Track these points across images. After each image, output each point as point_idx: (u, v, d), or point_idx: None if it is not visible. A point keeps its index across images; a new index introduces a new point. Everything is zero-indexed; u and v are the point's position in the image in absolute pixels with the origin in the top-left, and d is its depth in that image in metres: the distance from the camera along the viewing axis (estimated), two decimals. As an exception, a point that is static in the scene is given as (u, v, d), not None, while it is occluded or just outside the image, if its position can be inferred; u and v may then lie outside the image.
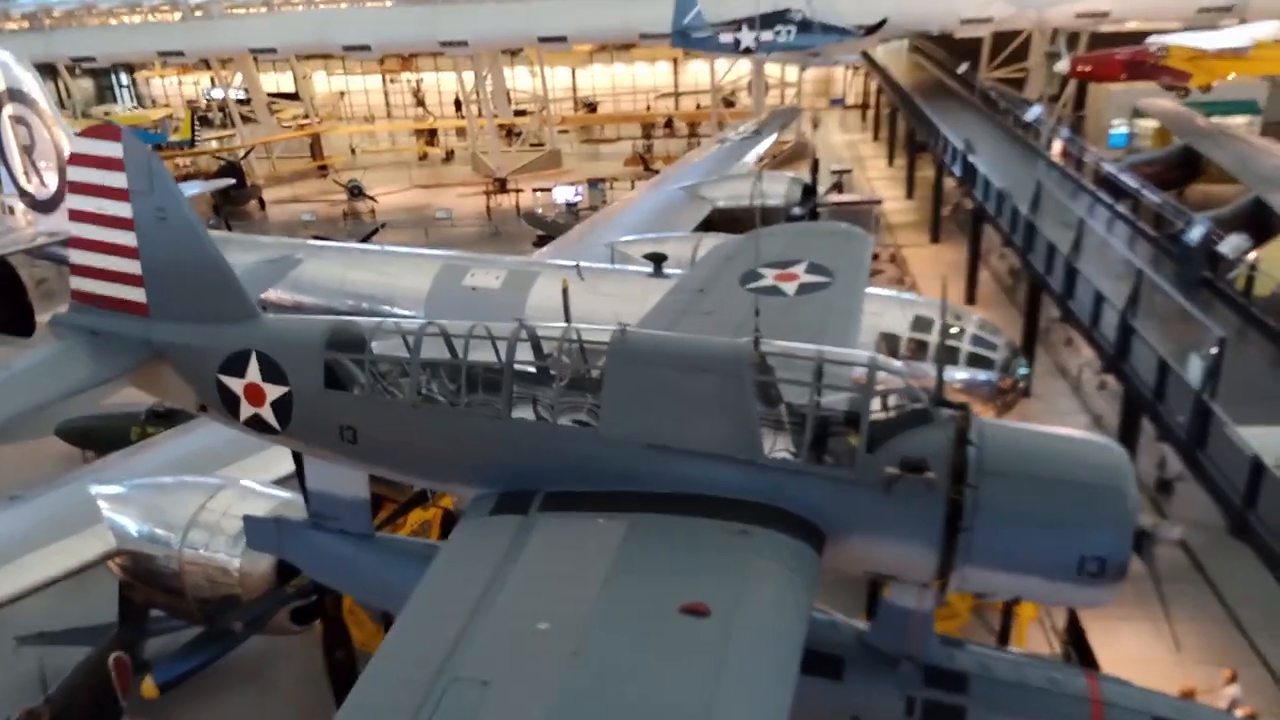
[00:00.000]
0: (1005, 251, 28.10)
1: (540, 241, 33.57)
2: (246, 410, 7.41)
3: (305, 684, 14.92)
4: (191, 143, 44.25)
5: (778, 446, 6.17)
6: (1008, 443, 5.82)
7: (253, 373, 7.23)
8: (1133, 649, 14.24)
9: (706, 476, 6.18)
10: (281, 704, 14.84)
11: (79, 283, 7.96)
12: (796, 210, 22.37)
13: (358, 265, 20.10)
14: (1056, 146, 26.74)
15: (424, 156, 52.40)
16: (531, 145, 48.22)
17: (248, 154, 44.33)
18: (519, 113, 50.43)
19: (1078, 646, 14.20)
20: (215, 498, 11.07)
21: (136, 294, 7.64)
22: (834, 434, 6.13)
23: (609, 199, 37.72)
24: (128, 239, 7.47)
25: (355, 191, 40.15)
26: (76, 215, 7.71)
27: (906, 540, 5.82)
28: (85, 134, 7.63)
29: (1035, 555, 5.59)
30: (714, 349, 6.44)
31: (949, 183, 30.07)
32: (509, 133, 48.06)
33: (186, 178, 40.31)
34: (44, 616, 14.45)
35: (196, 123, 46.05)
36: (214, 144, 46.59)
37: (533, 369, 6.91)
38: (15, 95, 22.85)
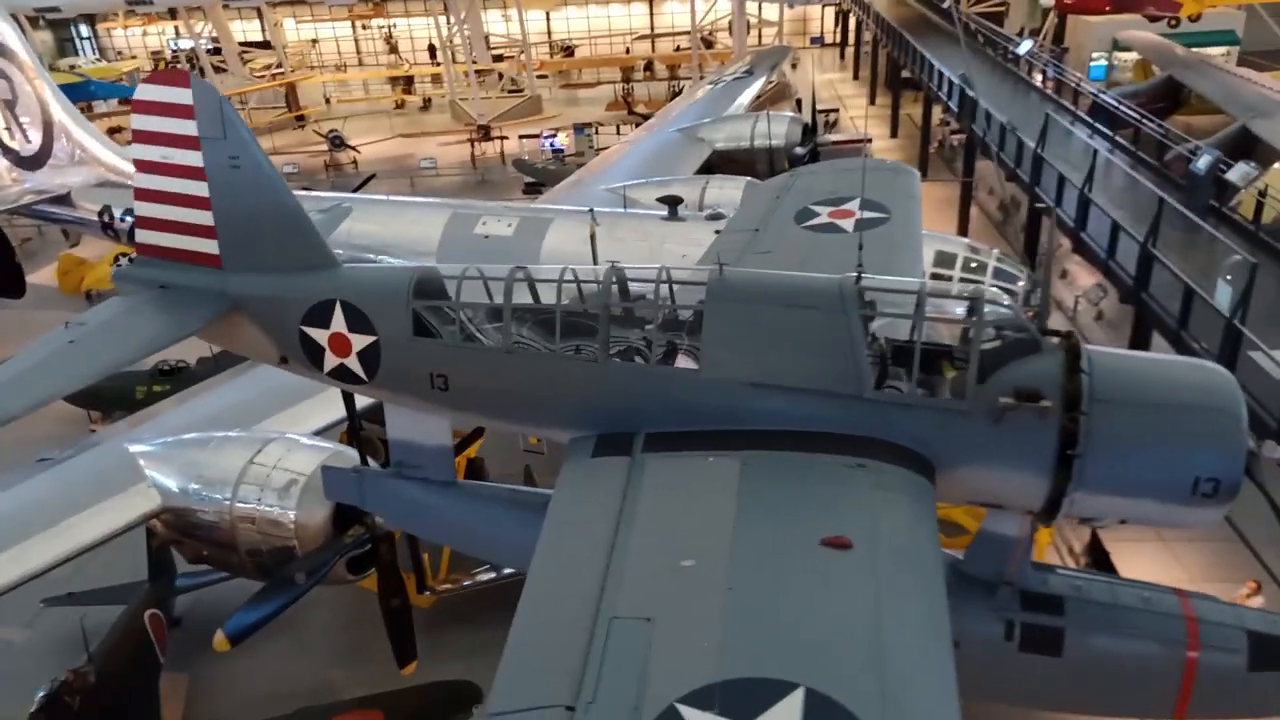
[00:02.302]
0: (994, 186, 28.28)
1: (529, 188, 33.22)
2: (331, 361, 7.36)
3: (340, 631, 15.09)
4: (165, 95, 42.81)
5: (884, 380, 6.26)
6: (1118, 369, 5.95)
7: (338, 323, 7.16)
8: (1148, 571, 14.75)
9: (811, 413, 6.26)
10: (316, 651, 14.99)
11: (144, 235, 7.78)
12: (798, 150, 22.27)
13: (362, 216, 19.81)
14: (1047, 79, 26.74)
15: (401, 105, 51.30)
16: (510, 91, 47.33)
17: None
18: (496, 58, 49.40)
19: (1100, 569, 14.68)
20: (263, 452, 11.03)
21: (209, 245, 7.49)
22: (943, 366, 6.22)
23: (594, 144, 37.27)
24: (198, 189, 7.30)
25: (336, 142, 39.30)
26: (142, 165, 7.50)
27: (1017, 469, 5.96)
28: (150, 79, 7.40)
29: (1150, 479, 5.76)
30: (817, 285, 6.47)
31: (934, 119, 30.09)
32: (485, 78, 47.12)
33: (159, 132, 39.09)
34: (65, 578, 14.43)
35: (170, 74, 44.49)
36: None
37: (630, 310, 6.91)
38: (-9, 48, 22.03)
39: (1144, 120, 21.18)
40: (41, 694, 11.36)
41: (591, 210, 17.76)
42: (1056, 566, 7.10)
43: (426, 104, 51.26)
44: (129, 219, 21.55)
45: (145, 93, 7.31)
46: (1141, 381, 5.91)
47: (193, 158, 7.22)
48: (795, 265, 8.14)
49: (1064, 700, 6.76)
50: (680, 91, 42.06)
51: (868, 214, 9.28)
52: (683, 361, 6.67)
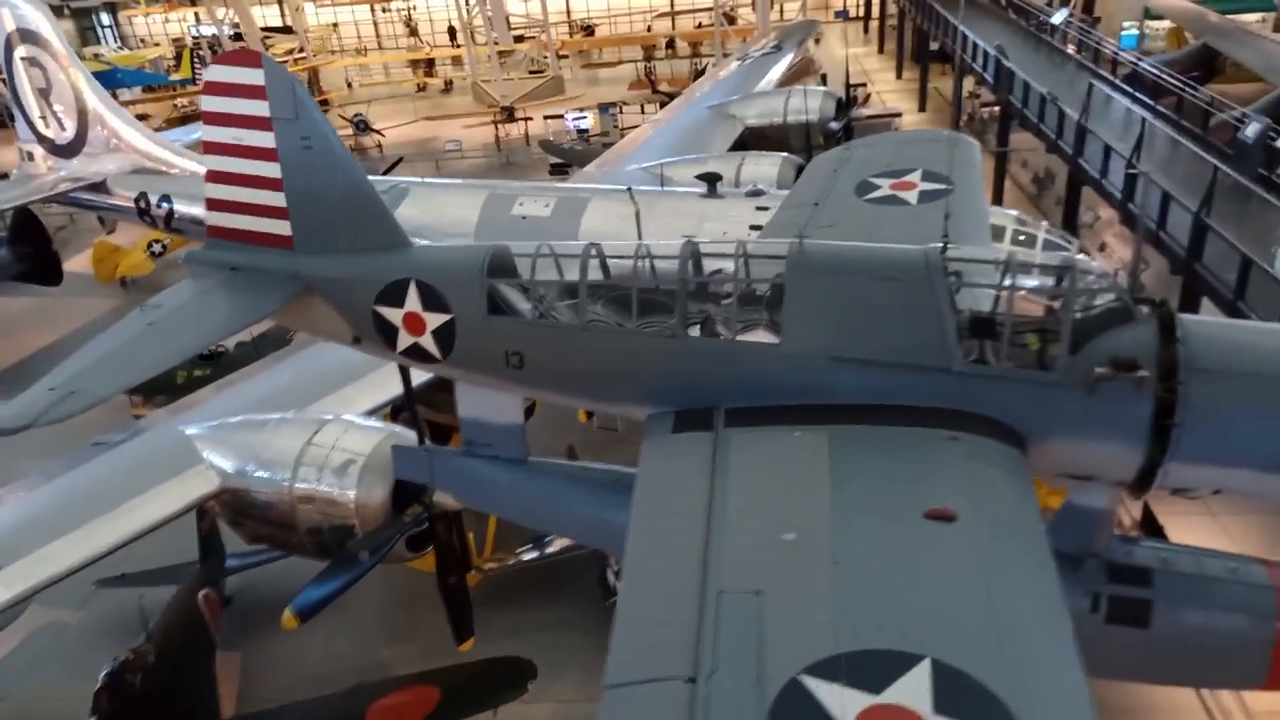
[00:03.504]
0: (1027, 158, 27.93)
1: (555, 169, 33.11)
2: (405, 340, 7.36)
3: (389, 609, 15.24)
4: (193, 80, 43.02)
5: (972, 352, 6.19)
6: (1214, 337, 5.86)
7: (412, 302, 7.16)
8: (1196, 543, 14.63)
9: (897, 386, 6.20)
10: (366, 629, 15.15)
11: (215, 217, 7.78)
12: (833, 125, 22.06)
13: (398, 198, 19.78)
14: (1082, 48, 26.32)
15: (422, 88, 51.21)
16: (531, 72, 47.16)
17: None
18: (517, 39, 49.21)
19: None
20: (320, 433, 11.09)
21: (280, 227, 7.49)
22: (1033, 336, 6.15)
23: (619, 124, 37.07)
24: (270, 170, 7.29)
25: (361, 126, 39.31)
26: (212, 147, 7.49)
27: (1111, 440, 5.89)
28: (221, 60, 7.37)
29: (1250, 449, 5.67)
30: (900, 256, 6.40)
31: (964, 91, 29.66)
32: (506, 59, 46.95)
33: (186, 119, 39.29)
34: (116, 559, 14.66)
35: (197, 60, 44.69)
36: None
37: (705, 286, 6.87)
38: (26, 36, 22.10)
39: (1187, 88, 20.80)
40: (105, 673, 11.50)
41: (630, 189, 17.70)
42: (1140, 538, 7.03)
43: (448, 86, 51.15)
44: (165, 205, 21.66)
45: (216, 74, 7.29)
46: (1239, 349, 5.81)
47: (264, 139, 7.20)
48: (861, 238, 8.05)
49: (1151, 672, 6.72)
50: (704, 69, 41.77)
51: (930, 185, 9.17)
52: (762, 336, 6.62)
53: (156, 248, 28.65)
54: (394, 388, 12.75)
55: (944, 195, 9.04)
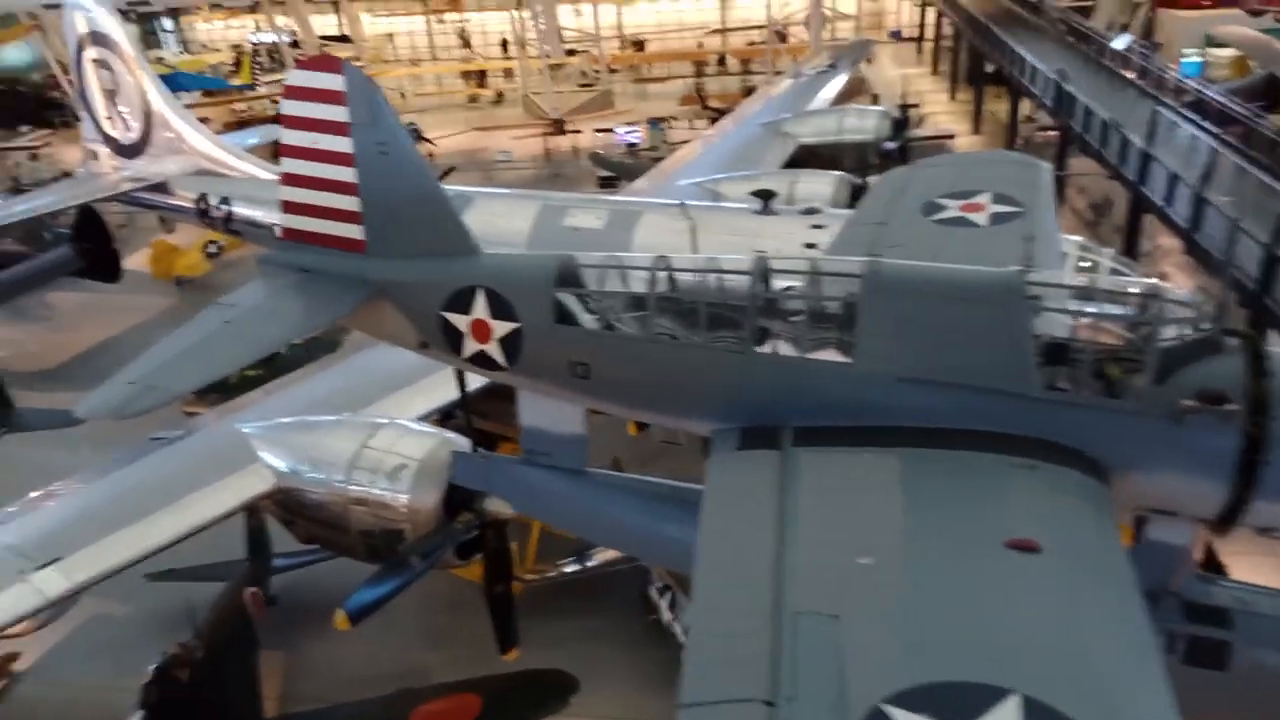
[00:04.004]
0: (1085, 185, 27.48)
1: (604, 182, 33.24)
2: (470, 347, 7.39)
3: (430, 616, 15.25)
4: (252, 86, 43.93)
5: (1052, 379, 6.06)
6: None
7: (479, 309, 7.18)
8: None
9: (973, 410, 6.08)
10: (407, 634, 15.18)
11: (289, 220, 7.89)
12: (888, 145, 21.89)
13: (460, 206, 19.89)
14: (1145, 74, 25.88)
15: (474, 99, 51.78)
16: (581, 85, 47.47)
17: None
18: (568, 52, 49.60)
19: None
20: (375, 436, 11.17)
21: (353, 231, 7.57)
22: (1116, 365, 6.00)
23: (668, 139, 37.16)
24: (345, 174, 7.37)
25: (414, 135, 39.79)
26: (290, 151, 7.61)
27: (1195, 475, 5.72)
28: (303, 65, 7.50)
29: None
30: (980, 278, 6.29)
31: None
32: (557, 72, 47.33)
33: (243, 123, 40.08)
34: (165, 554, 14.87)
35: (256, 67, 45.62)
36: (281, 86, 46.00)
37: (775, 301, 6.80)
38: (97, 39, 22.71)
39: (1258, 118, 20.35)
40: (153, 666, 11.63)
41: (683, 203, 17.69)
42: (1218, 577, 6.82)
43: (499, 98, 51.65)
44: (224, 207, 22.05)
45: (298, 79, 7.41)
46: None
47: (341, 143, 7.29)
48: (928, 259, 7.92)
49: (1227, 715, 6.49)
50: (754, 86, 41.74)
51: (1001, 208, 9.02)
52: (833, 354, 6.54)
53: (213, 248, 29.21)
54: (445, 394, 12.84)
55: (1015, 218, 8.88)
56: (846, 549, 5.12)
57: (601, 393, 7.21)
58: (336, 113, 7.24)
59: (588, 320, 7.06)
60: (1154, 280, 6.26)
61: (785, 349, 6.66)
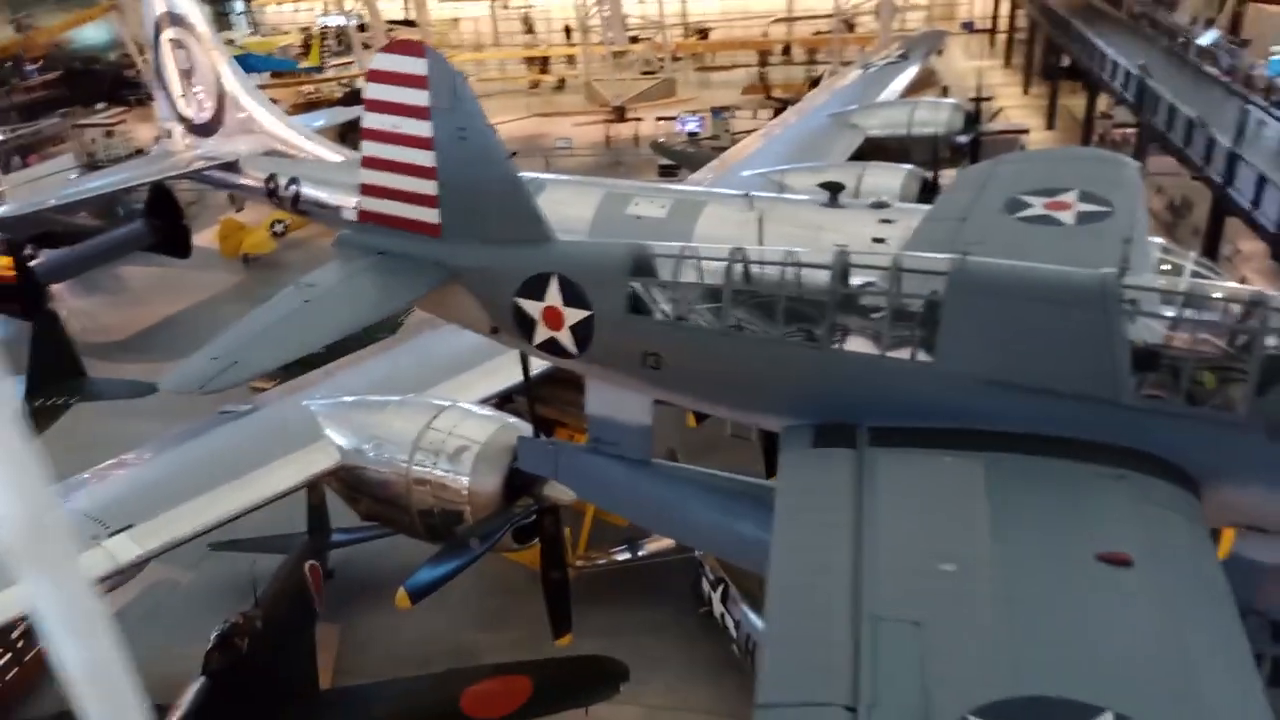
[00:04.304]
0: (1163, 184, 26.60)
1: (664, 171, 33.08)
2: (542, 334, 7.36)
3: (481, 597, 15.37)
4: (319, 68, 44.57)
5: (1145, 386, 5.82)
6: None
7: (552, 296, 7.14)
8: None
9: (1060, 416, 5.87)
10: (458, 614, 15.30)
11: (367, 202, 7.92)
12: (960, 139, 21.38)
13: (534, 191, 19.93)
14: (1233, 71, 24.92)
15: (535, 85, 51.91)
16: (644, 73, 47.31)
17: (370, 81, 44.53)
18: (631, 39, 49.43)
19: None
20: (439, 417, 11.22)
21: (430, 215, 7.58)
22: (1214, 374, 5.74)
23: (730, 128, 36.83)
24: (424, 159, 7.37)
25: (475, 119, 39.96)
26: (371, 134, 7.64)
27: None
28: (388, 49, 7.52)
29: None
30: (1073, 279, 6.06)
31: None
32: (620, 59, 47.22)
33: (311, 105, 40.69)
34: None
35: (324, 50, 46.29)
36: (354, 68, 46.55)
37: (856, 297, 6.64)
38: (175, 19, 23.20)
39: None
40: (215, 634, 11.88)
41: (748, 194, 17.49)
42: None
43: (561, 85, 51.70)
44: (293, 187, 22.40)
45: (381, 62, 7.42)
46: None
47: (421, 127, 7.29)
48: (1013, 258, 7.69)
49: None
50: (819, 77, 41.16)
51: (1088, 207, 8.71)
52: (914, 353, 6.36)
53: (278, 227, 29.74)
54: (505, 378, 12.89)
55: (1104, 218, 8.56)
56: (928, 555, 4.97)
57: (672, 384, 7.12)
58: (418, 97, 7.24)
59: (661, 310, 6.98)
60: (1258, 287, 5.96)
61: (864, 346, 6.50)
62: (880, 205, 16.11)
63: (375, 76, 7.49)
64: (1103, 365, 5.75)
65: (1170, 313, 5.83)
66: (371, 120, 7.58)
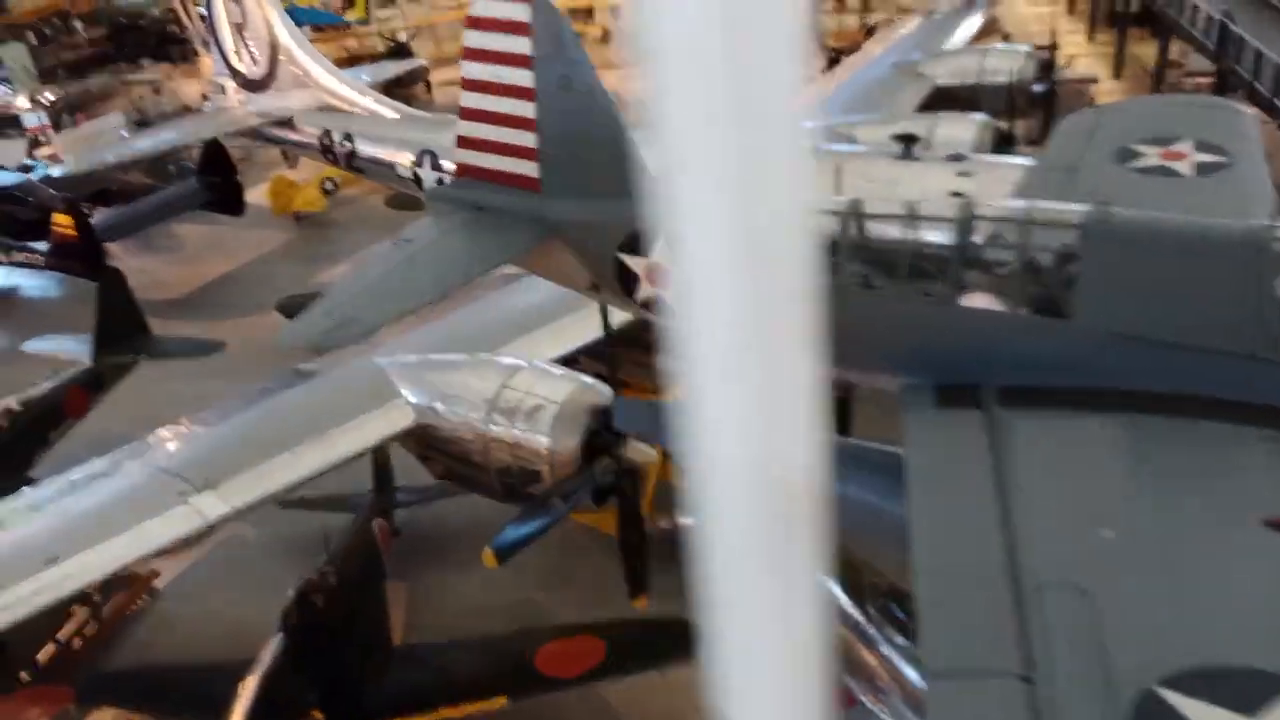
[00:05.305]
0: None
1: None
2: (645, 291, 7.15)
3: (546, 556, 15.32)
4: (365, 21, 44.19)
5: None
6: None
7: (658, 251, 6.88)
8: None
9: (1203, 374, 5.55)
10: (524, 573, 15.26)
11: (464, 155, 7.70)
12: (1036, 88, 20.60)
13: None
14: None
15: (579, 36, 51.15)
16: (690, 24, 46.31)
17: (415, 35, 44.11)
18: (677, -11, 48.28)
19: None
20: (515, 376, 11.12)
21: (529, 168, 7.33)
22: None
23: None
24: (524, 109, 7.10)
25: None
26: (470, 85, 7.38)
27: None
28: (487, -5, 7.22)
29: None
30: (1222, 231, 5.71)
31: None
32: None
33: (355, 59, 40.40)
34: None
35: (371, 2, 45.86)
36: (400, 23, 46.09)
37: (982, 250, 6.32)
38: (227, -28, 22.97)
39: None
40: (292, 591, 11.98)
41: (817, 147, 17.01)
42: None
43: (605, 36, 50.83)
44: (348, 144, 22.24)
45: (483, 9, 7.12)
46: None
47: (522, 77, 7.01)
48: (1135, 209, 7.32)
49: None
50: (875, 25, 39.95)
51: (1206, 157, 8.25)
52: (1046, 309, 6.06)
53: (329, 185, 29.67)
54: (574, 337, 12.74)
55: (1224, 169, 8.12)
56: (1083, 520, 4.73)
57: None
58: (519, 44, 6.94)
59: None
60: None
61: (991, 302, 6.19)
62: (957, 158, 15.57)
63: (475, 24, 7.20)
64: (1252, 321, 5.42)
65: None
66: (471, 70, 7.31)
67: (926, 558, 4.83)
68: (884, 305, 6.41)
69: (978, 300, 6.23)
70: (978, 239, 6.33)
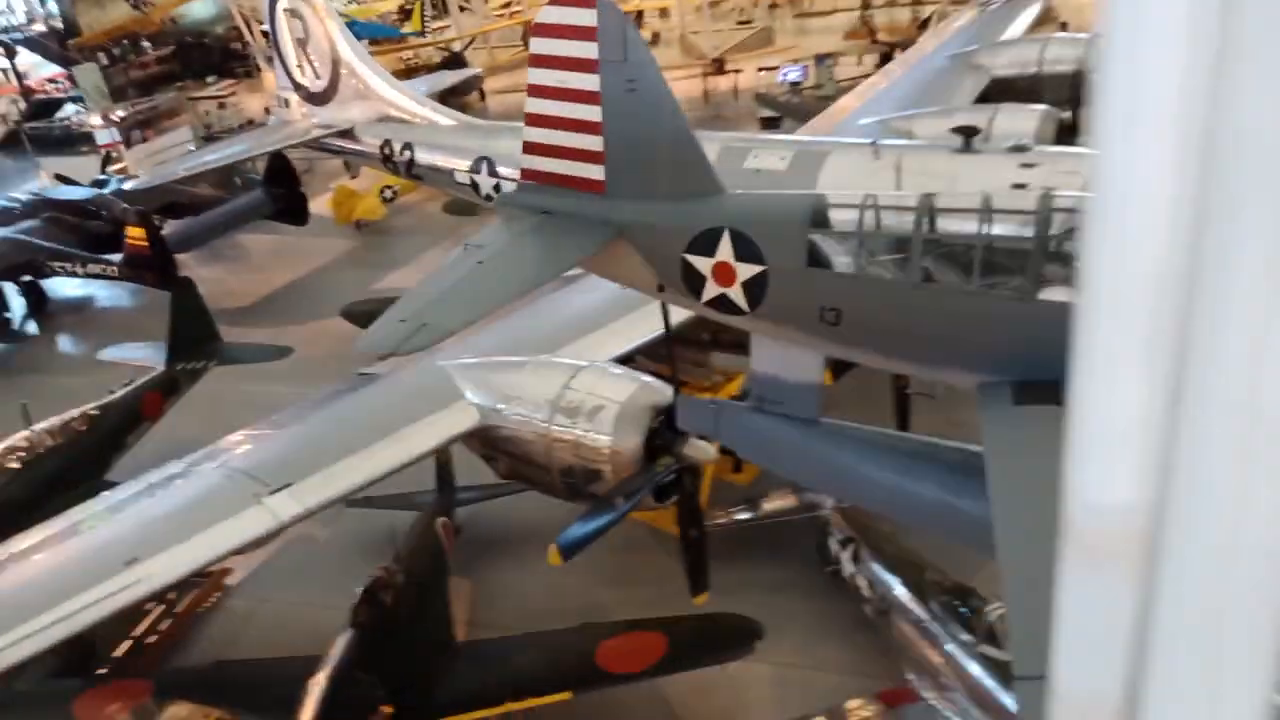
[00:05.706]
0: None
1: (766, 123, 32.28)
2: (711, 290, 7.15)
3: (608, 555, 15.32)
4: (421, 33, 44.96)
5: None
6: None
7: (724, 251, 6.90)
8: None
9: None
10: (586, 571, 15.31)
11: (530, 161, 7.80)
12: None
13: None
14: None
15: (629, 40, 51.28)
16: (740, 23, 46.22)
17: (469, 44, 44.73)
18: (727, -13, 48.34)
19: None
20: (576, 377, 11.22)
21: (595, 171, 7.40)
22: None
23: (834, 76, 35.65)
24: (590, 113, 7.17)
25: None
26: (536, 90, 7.48)
27: None
28: (555, 1, 7.30)
29: None
30: None
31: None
32: (714, 10, 46.19)
33: (411, 71, 41.08)
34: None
35: (426, 14, 46.65)
36: (451, 32, 46.78)
37: (1062, 243, 6.19)
38: (289, -12, 23.52)
39: None
40: (360, 588, 12.21)
41: (874, 142, 16.82)
42: None
43: (655, 39, 50.95)
44: (407, 153, 22.61)
45: (548, 15, 7.21)
46: None
47: (588, 81, 7.08)
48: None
49: None
50: (927, 19, 39.46)
51: None
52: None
53: (388, 193, 30.22)
54: (631, 338, 12.80)
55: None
56: None
57: (853, 340, 6.81)
58: (585, 49, 7.01)
59: (843, 264, 6.66)
60: None
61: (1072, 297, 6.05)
62: (1020, 149, 15.23)
63: (541, 30, 7.29)
64: None
65: None
66: (537, 76, 7.40)
67: (1012, 560, 4.76)
68: (963, 303, 6.30)
69: (1060, 295, 6.13)
70: (1055, 231, 6.23)
